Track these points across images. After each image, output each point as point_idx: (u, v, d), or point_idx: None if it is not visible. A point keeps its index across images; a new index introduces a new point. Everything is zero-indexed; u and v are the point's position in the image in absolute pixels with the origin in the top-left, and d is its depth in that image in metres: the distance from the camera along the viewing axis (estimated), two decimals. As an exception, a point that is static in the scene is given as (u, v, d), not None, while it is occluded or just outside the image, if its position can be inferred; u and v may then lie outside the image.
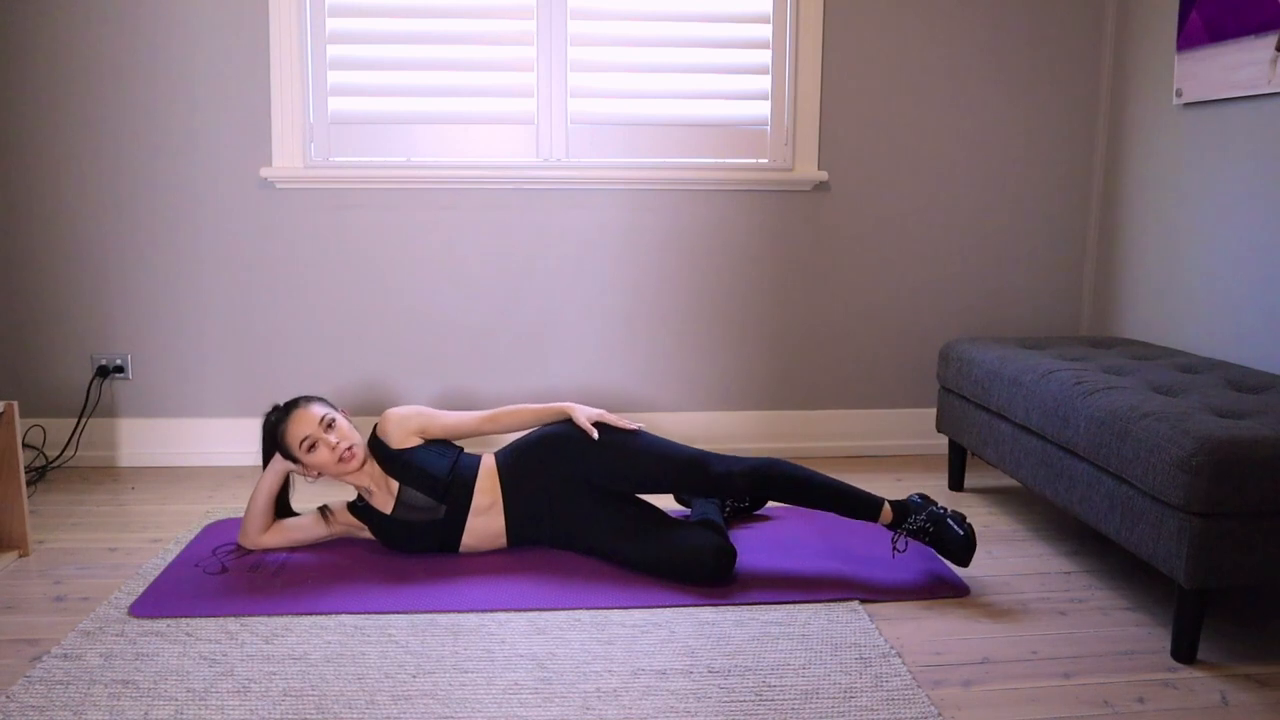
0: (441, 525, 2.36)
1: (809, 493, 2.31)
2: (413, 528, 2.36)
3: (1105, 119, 3.30)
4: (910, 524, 2.29)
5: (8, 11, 3.00)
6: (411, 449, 2.39)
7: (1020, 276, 3.38)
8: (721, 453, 2.41)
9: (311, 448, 2.32)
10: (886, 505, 2.32)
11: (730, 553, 2.25)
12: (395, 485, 2.37)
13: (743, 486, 2.31)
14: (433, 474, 2.36)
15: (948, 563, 2.35)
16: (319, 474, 2.37)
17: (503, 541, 2.42)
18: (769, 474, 2.31)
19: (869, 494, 2.33)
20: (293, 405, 2.39)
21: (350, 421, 2.44)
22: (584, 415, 2.40)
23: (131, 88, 3.05)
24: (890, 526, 2.32)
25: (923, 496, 2.37)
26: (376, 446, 2.40)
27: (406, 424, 2.41)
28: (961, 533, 2.26)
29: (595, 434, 2.36)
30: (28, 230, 3.11)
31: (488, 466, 2.42)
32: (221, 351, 3.20)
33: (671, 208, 3.24)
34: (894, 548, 2.33)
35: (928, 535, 2.29)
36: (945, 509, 2.31)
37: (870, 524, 2.53)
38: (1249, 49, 2.58)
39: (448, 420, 2.45)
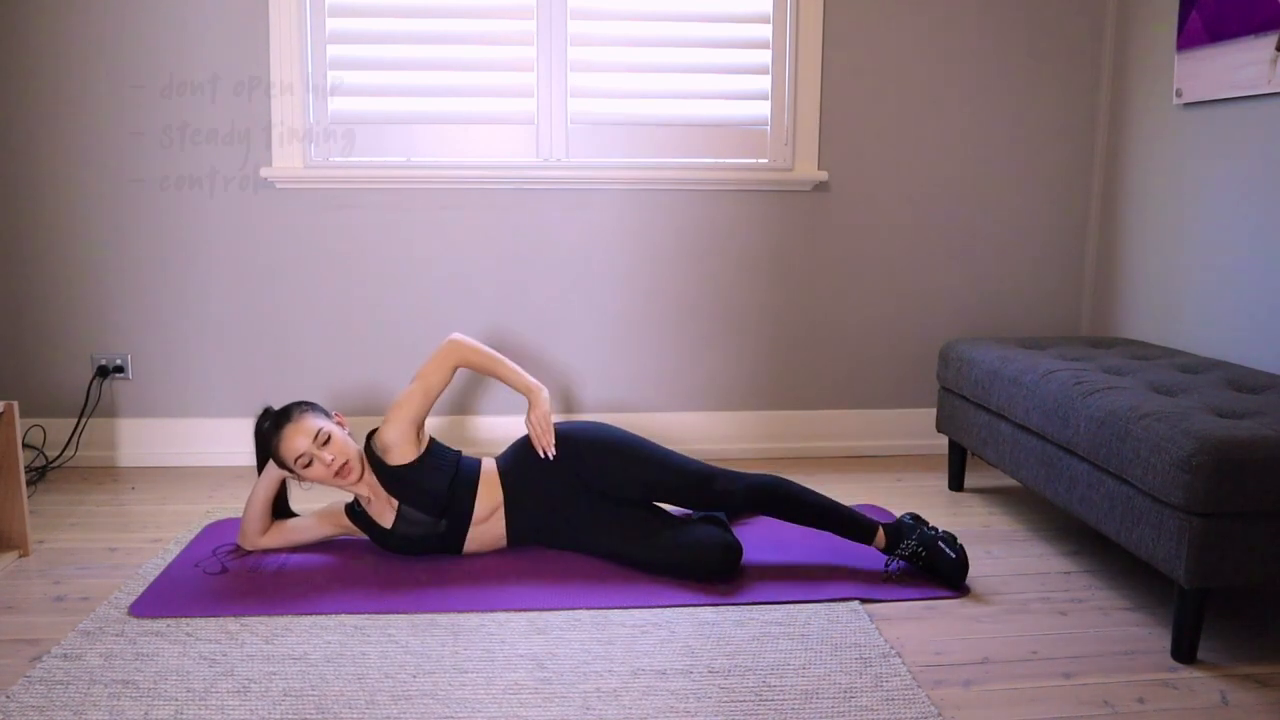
0: (443, 536, 2.35)
1: (805, 513, 2.33)
2: (413, 541, 2.35)
3: (1105, 119, 3.30)
4: (903, 549, 2.30)
5: (7, 13, 3.00)
6: (409, 465, 2.32)
7: (1020, 276, 3.38)
8: (725, 467, 2.40)
9: (307, 464, 2.27)
10: (880, 530, 2.33)
11: (737, 549, 2.26)
12: (395, 502, 2.34)
13: (742, 505, 2.33)
14: (433, 492, 2.31)
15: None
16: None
17: (504, 544, 2.42)
18: (768, 494, 2.33)
19: (864, 517, 2.34)
20: (285, 418, 2.31)
21: (346, 429, 2.38)
22: (541, 418, 2.36)
23: (131, 88, 3.05)
24: (884, 550, 2.33)
25: (914, 517, 2.38)
26: (374, 462, 2.34)
27: (401, 425, 2.31)
28: (953, 555, 2.27)
29: (551, 454, 2.35)
30: (28, 230, 3.11)
31: (488, 472, 2.40)
32: (221, 351, 3.20)
33: (672, 208, 3.24)
34: (885, 571, 2.33)
35: (920, 560, 2.30)
36: (937, 530, 2.32)
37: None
38: (1249, 49, 2.58)
39: (416, 390, 2.34)
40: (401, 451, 2.32)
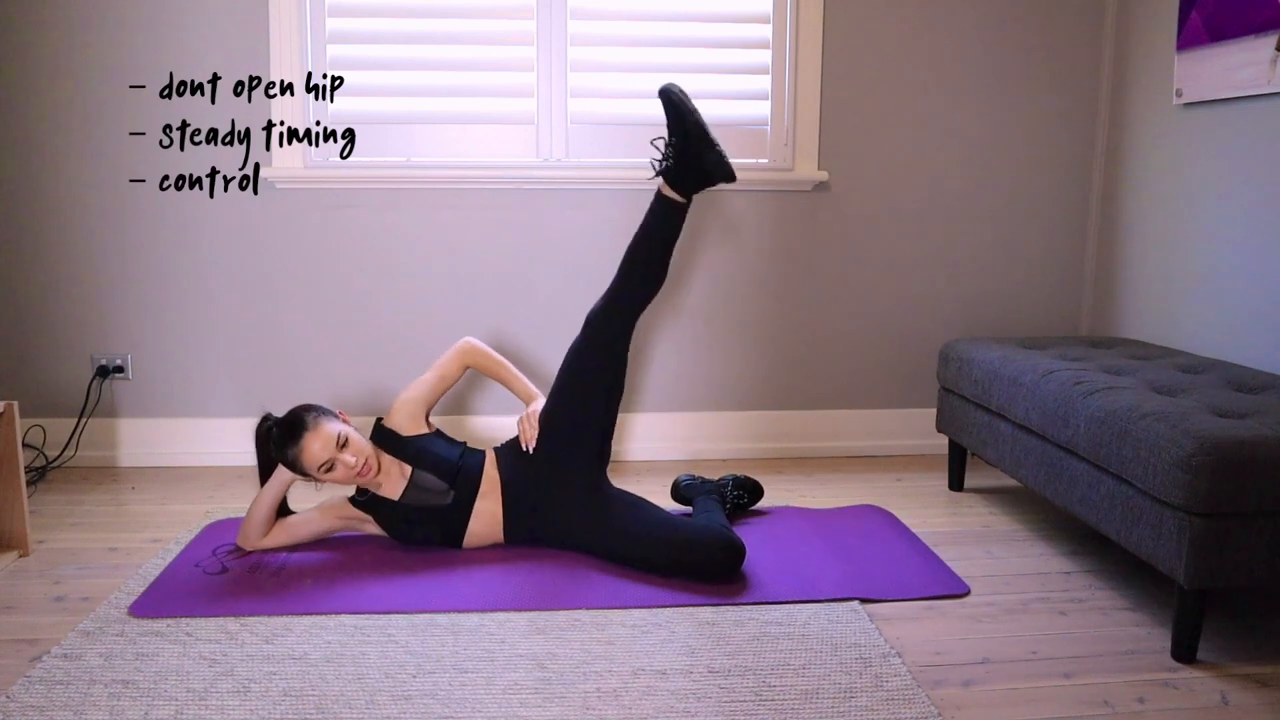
0: (448, 512, 2.37)
1: (639, 252, 2.41)
2: (420, 512, 2.37)
3: (1105, 119, 3.30)
4: (666, 167, 2.38)
5: (9, 14, 3.00)
6: (422, 435, 2.44)
7: (1020, 276, 3.38)
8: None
9: (329, 469, 2.30)
10: (660, 183, 2.40)
11: (739, 548, 2.26)
12: (408, 469, 2.41)
13: (626, 286, 2.42)
14: (445, 457, 2.41)
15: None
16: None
17: (500, 538, 2.44)
18: (625, 261, 2.42)
19: (653, 203, 2.41)
20: (301, 427, 2.29)
21: (354, 427, 2.41)
22: (530, 416, 2.49)
23: (131, 88, 3.05)
24: (668, 181, 2.40)
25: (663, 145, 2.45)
26: (387, 437, 2.43)
27: (411, 406, 2.46)
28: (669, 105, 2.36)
29: (531, 448, 2.45)
30: (28, 230, 3.11)
31: (489, 459, 2.47)
32: (221, 351, 3.20)
33: (671, 208, 3.23)
34: (663, 166, 2.40)
35: (672, 150, 2.37)
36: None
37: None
38: (1249, 49, 2.58)
39: (431, 378, 2.52)
40: (415, 426, 2.46)
